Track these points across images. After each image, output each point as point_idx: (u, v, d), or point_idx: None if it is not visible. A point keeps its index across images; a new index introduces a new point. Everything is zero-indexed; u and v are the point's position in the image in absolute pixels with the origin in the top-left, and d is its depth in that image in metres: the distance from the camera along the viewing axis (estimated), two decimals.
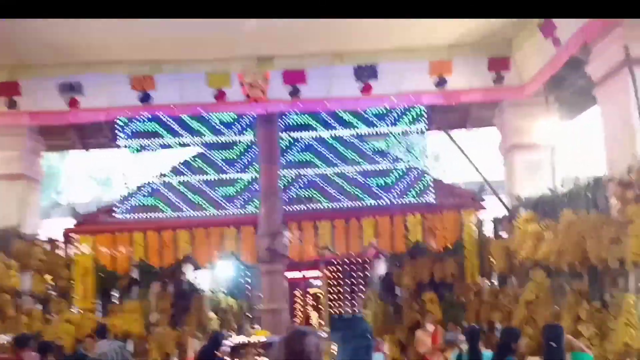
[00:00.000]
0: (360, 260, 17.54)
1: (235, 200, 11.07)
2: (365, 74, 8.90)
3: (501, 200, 10.64)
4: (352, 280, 18.26)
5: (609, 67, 7.29)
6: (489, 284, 10.43)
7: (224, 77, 8.96)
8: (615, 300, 6.29)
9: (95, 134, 12.12)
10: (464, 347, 7.09)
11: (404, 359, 10.84)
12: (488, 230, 10.61)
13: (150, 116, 10.99)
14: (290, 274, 18.43)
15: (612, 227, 6.44)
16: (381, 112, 11.00)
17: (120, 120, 11.19)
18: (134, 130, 11.23)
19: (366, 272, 18.18)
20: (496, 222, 10.49)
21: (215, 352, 7.70)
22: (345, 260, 17.09)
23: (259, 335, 8.81)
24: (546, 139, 10.20)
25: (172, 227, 10.83)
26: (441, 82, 9.02)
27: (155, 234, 10.80)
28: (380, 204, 10.80)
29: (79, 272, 10.78)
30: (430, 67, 8.93)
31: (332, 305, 17.86)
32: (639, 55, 6.84)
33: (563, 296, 7.57)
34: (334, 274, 17.97)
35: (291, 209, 10.80)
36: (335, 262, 17.19)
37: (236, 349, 8.07)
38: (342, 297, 18.13)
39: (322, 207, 10.82)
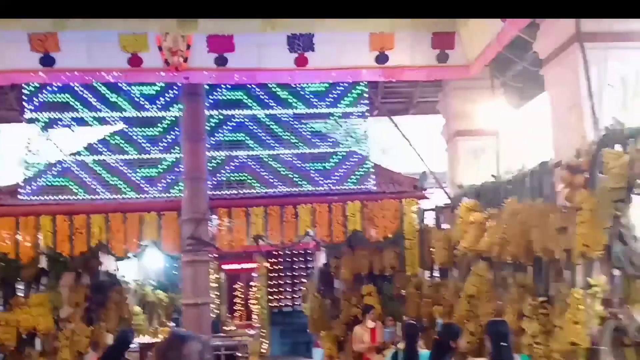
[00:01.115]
0: (301, 251, 16.88)
1: (157, 183, 10.02)
2: (300, 44, 8.03)
3: (443, 189, 10.08)
4: (294, 272, 17.58)
5: (557, 43, 6.73)
6: (429, 276, 9.90)
7: (140, 39, 7.84)
8: (562, 295, 5.74)
9: (4, 104, 10.77)
10: (402, 345, 6.46)
11: (341, 356, 10.17)
12: (430, 219, 10.05)
13: (60, 85, 9.87)
14: (230, 266, 17.74)
15: (559, 216, 5.91)
16: (320, 91, 10.23)
17: (26, 88, 10.01)
18: (42, 100, 10.03)
19: (308, 264, 17.53)
20: (438, 211, 9.95)
21: (123, 353, 6.71)
22: (287, 251, 16.36)
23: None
24: (491, 125, 9.72)
25: (85, 212, 9.68)
26: (382, 58, 8.24)
27: (65, 219, 9.63)
28: (318, 190, 10.03)
29: None
30: (371, 39, 8.16)
31: (272, 299, 17.13)
32: (591, 30, 6.30)
33: (506, 290, 7.04)
34: (274, 265, 17.24)
35: (220, 194, 9.87)
36: (276, 253, 16.43)
37: (145, 350, 7.09)
38: (282, 290, 17.40)
39: (254, 193, 9.95)
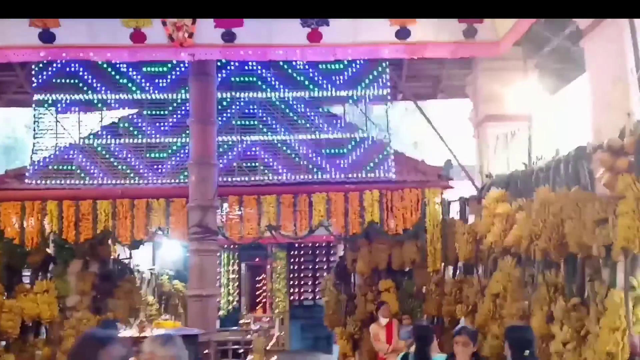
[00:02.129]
0: (323, 243, 16.34)
1: (166, 168, 9.61)
2: (314, 18, 7.43)
3: (470, 177, 9.34)
4: (315, 264, 17.05)
5: None
6: (453, 272, 9.19)
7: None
8: (598, 296, 5.00)
9: (9, 87, 10.51)
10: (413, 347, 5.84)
11: (356, 355, 9.59)
12: (454, 211, 9.32)
13: (68, 65, 9.60)
14: (252, 257, 17.35)
15: (597, 205, 5.16)
16: (337, 70, 9.60)
17: (34, 68, 9.74)
18: (50, 81, 9.79)
19: (330, 256, 16.98)
20: (463, 202, 9.20)
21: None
22: (308, 242, 15.86)
23: (160, 328, 7.42)
24: (523, 110, 8.96)
25: (91, 197, 9.35)
26: (403, 33, 7.57)
27: (71, 204, 9.32)
28: (334, 178, 9.42)
29: None
30: None
31: (293, 292, 16.66)
32: None
33: (534, 289, 6.31)
34: (295, 258, 16.75)
35: (231, 181, 9.37)
36: (297, 245, 15.94)
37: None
38: (303, 283, 16.89)
39: (267, 180, 9.41)
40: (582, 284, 5.60)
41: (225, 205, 9.29)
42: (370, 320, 9.07)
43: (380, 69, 9.78)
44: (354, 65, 9.80)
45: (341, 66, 9.78)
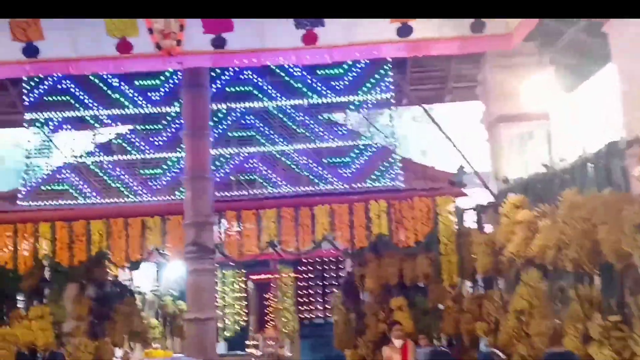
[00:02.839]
0: (332, 259, 15.57)
1: (161, 185, 9.02)
2: (310, 18, 6.78)
3: (485, 184, 8.58)
4: (324, 281, 16.25)
5: None
6: (471, 287, 8.43)
7: (128, 21, 6.79)
8: None
9: (7, 108, 10.05)
10: None
11: None
12: (469, 220, 8.60)
13: (58, 81, 9.16)
14: (258, 275, 16.65)
15: (637, 207, 4.43)
16: (336, 75, 8.97)
17: (26, 85, 9.25)
18: (41, 100, 9.35)
19: (340, 272, 16.18)
20: (479, 210, 8.47)
21: None
22: (316, 258, 15.12)
23: (151, 359, 6.72)
24: (540, 107, 8.24)
25: (85, 217, 8.77)
26: (405, 30, 6.86)
27: (64, 225, 8.74)
28: (337, 188, 8.77)
29: None
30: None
31: (302, 309, 15.85)
32: None
33: (565, 305, 5.54)
34: (303, 274, 15.98)
35: (228, 195, 8.73)
36: (305, 261, 15.19)
37: None
38: (312, 301, 16.08)
39: (266, 193, 8.76)
40: (622, 298, 4.87)
41: (224, 221, 8.60)
42: (383, 341, 8.25)
43: (382, 71, 9.18)
44: (354, 68, 9.21)
45: (341, 70, 9.19)
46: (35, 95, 9.36)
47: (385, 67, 9.12)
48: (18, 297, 9.44)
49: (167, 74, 9.29)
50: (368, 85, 9.18)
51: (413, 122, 13.57)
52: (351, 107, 9.25)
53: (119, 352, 9.98)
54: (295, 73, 9.26)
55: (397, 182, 8.75)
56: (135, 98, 9.34)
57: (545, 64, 8.39)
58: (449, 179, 8.80)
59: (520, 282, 6.40)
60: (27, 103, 9.36)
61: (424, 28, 6.99)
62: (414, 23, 6.87)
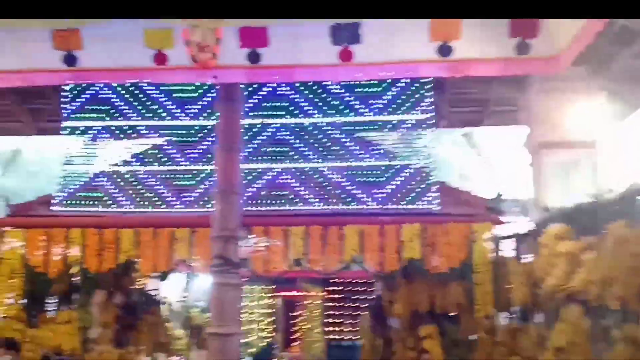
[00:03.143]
0: (362, 280, 15.19)
1: (192, 196, 8.95)
2: (345, 35, 6.58)
3: (525, 211, 8.14)
4: (354, 302, 15.84)
5: None
6: (506, 319, 7.96)
7: (165, 34, 6.75)
8: None
9: (42, 115, 10.24)
10: None
11: None
12: (506, 249, 8.14)
13: (96, 91, 9.32)
14: (287, 292, 16.41)
15: None
16: (374, 93, 8.74)
17: (66, 94, 9.40)
18: (80, 108, 9.46)
19: (370, 294, 15.76)
20: (518, 239, 8.01)
21: None
22: (347, 279, 14.79)
23: None
24: (587, 135, 7.78)
25: (115, 225, 8.74)
26: (445, 49, 6.58)
27: (95, 233, 8.72)
28: (369, 209, 8.47)
29: (5, 271, 8.77)
30: (432, 27, 6.53)
31: (330, 330, 15.48)
32: None
33: (609, 346, 5.08)
34: (332, 294, 15.63)
35: (257, 211, 8.57)
36: (334, 281, 14.88)
37: None
38: (341, 322, 15.68)
39: (295, 210, 8.56)
40: None
41: (252, 236, 8.43)
42: None
43: (421, 92, 8.89)
44: (393, 88, 8.98)
45: (379, 89, 8.97)
46: (75, 103, 9.47)
47: (425, 87, 8.85)
48: (48, 301, 9.48)
49: (206, 87, 9.30)
50: (406, 105, 8.91)
51: (452, 146, 13.21)
52: (388, 126, 8.99)
53: None
54: (332, 90, 9.10)
55: (432, 205, 8.39)
56: (173, 110, 9.35)
57: (594, 90, 7.96)
58: (486, 205, 8.40)
59: (560, 317, 5.97)
60: (67, 111, 9.47)
61: (465, 48, 6.68)
62: (455, 42, 6.61)
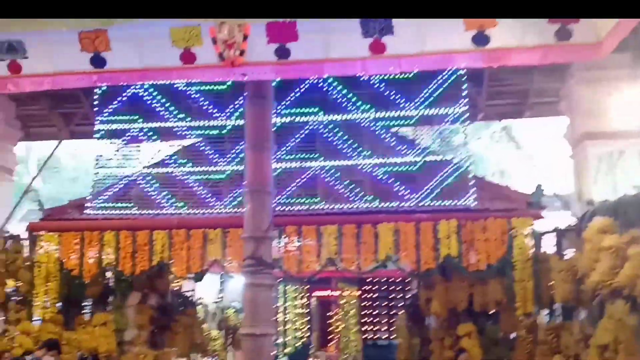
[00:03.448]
0: (399, 278, 15.21)
1: (225, 197, 9.12)
2: (376, 27, 6.59)
3: (566, 205, 8.03)
4: (390, 301, 15.89)
5: None
6: (548, 317, 7.90)
7: (193, 31, 6.90)
8: None
9: (73, 119, 10.58)
10: None
11: None
12: (547, 245, 8.06)
13: (131, 96, 9.55)
14: (322, 292, 16.54)
15: None
16: (407, 87, 8.74)
17: (98, 97, 9.69)
18: (113, 111, 9.72)
19: (406, 293, 15.77)
20: (559, 234, 7.92)
21: None
22: (382, 278, 14.83)
23: None
24: (632, 124, 7.60)
25: (148, 227, 8.97)
26: (481, 38, 6.53)
27: (128, 235, 8.98)
28: (404, 206, 8.47)
29: (42, 275, 9.12)
30: None
31: (366, 330, 15.57)
32: None
33: None
34: (367, 293, 15.71)
35: (289, 210, 8.69)
36: (369, 280, 14.95)
37: None
38: (377, 321, 15.75)
39: (327, 209, 8.63)
40: None
41: (284, 236, 8.56)
42: None
43: (456, 84, 8.80)
44: (427, 81, 8.91)
45: (413, 83, 8.90)
46: (107, 106, 9.74)
47: (459, 80, 8.77)
48: (84, 304, 9.77)
49: (237, 85, 9.45)
50: (441, 98, 8.85)
51: (490, 139, 13.09)
52: (423, 121, 8.95)
53: None
54: (364, 85, 9.10)
55: (470, 201, 8.34)
56: (205, 109, 9.52)
57: (639, 77, 7.79)
58: (526, 200, 8.32)
59: (604, 314, 5.93)
60: (99, 114, 9.74)
61: (502, 36, 6.62)
62: (492, 30, 6.55)
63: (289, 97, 9.28)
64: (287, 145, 9.09)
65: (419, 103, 8.87)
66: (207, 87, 9.48)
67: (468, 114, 8.87)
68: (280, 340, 15.23)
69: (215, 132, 9.49)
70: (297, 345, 15.87)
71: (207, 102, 9.56)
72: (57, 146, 10.36)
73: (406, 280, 15.30)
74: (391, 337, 15.19)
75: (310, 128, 9.18)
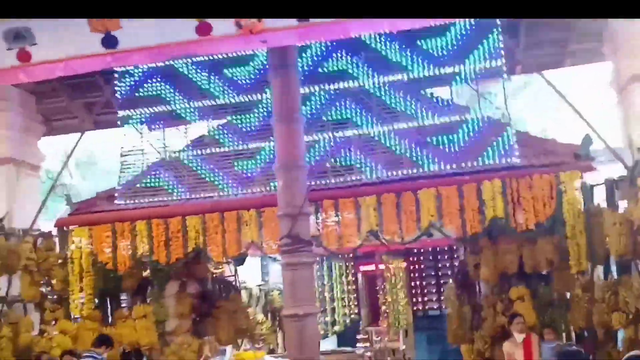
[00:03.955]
0: (445, 247, 15.30)
1: (256, 176, 9.29)
2: None
3: (616, 155, 7.93)
4: (438, 270, 16.02)
5: None
6: (604, 273, 7.88)
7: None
8: None
9: (94, 108, 10.86)
10: None
11: None
12: (599, 198, 7.99)
13: (148, 79, 9.76)
14: (368, 267, 16.73)
15: None
16: (438, 44, 8.68)
17: (117, 83, 9.91)
18: (132, 97, 9.92)
19: (454, 260, 15.86)
20: (611, 185, 7.84)
21: None
22: (429, 247, 14.93)
23: None
24: None
25: (180, 214, 9.23)
26: None
27: (160, 223, 9.23)
28: (444, 170, 8.47)
29: (75, 271, 9.48)
30: None
31: (416, 301, 15.77)
32: None
33: None
34: (415, 264, 15.86)
35: (324, 184, 8.80)
36: (416, 250, 15.07)
37: None
38: (426, 292, 15.93)
39: (364, 179, 8.70)
40: None
41: (321, 211, 8.71)
42: (502, 335, 7.99)
43: (491, 36, 8.66)
44: (457, 36, 8.81)
45: (442, 39, 8.83)
46: (126, 92, 9.91)
47: (494, 31, 8.62)
48: (122, 297, 10.11)
49: (257, 59, 9.52)
50: (475, 53, 8.72)
51: (530, 92, 12.88)
52: (457, 79, 8.86)
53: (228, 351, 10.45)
54: (392, 46, 9.04)
55: (513, 158, 8.29)
56: (225, 87, 9.64)
57: None
58: (573, 152, 8.23)
59: None
60: (119, 101, 9.95)
61: None
62: None
63: (311, 65, 9.30)
64: (315, 115, 9.14)
65: (450, 60, 8.80)
66: (227, 64, 9.55)
67: (506, 68, 8.77)
68: (328, 319, 15.55)
69: (239, 110, 9.60)
70: (346, 322, 16.18)
71: (227, 80, 9.66)
72: (80, 138, 10.58)
73: (453, 248, 15.37)
74: (441, 307, 15.37)
75: (337, 97, 9.20)
